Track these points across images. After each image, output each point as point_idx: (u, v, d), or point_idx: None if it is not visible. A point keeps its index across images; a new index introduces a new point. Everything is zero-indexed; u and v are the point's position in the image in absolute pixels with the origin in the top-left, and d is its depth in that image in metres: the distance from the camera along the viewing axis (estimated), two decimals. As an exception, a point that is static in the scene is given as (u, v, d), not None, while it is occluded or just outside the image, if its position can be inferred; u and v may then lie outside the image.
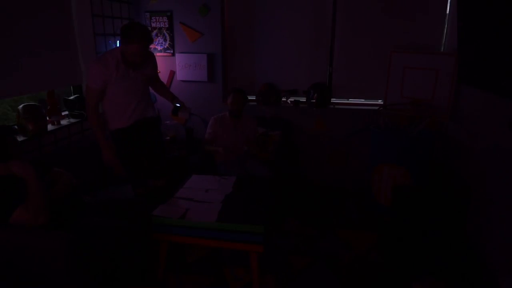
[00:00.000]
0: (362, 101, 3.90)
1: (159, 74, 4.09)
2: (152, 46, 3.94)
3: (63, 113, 3.15)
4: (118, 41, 3.61)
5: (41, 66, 2.77)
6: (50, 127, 2.89)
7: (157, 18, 3.90)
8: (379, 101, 3.75)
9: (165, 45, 3.96)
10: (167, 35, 3.93)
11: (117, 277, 2.11)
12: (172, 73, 4.03)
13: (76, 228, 2.01)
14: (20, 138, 2.56)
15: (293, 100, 3.96)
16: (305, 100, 3.88)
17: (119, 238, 2.09)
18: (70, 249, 1.74)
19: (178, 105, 2.77)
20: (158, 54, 3.97)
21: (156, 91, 2.95)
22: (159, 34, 3.93)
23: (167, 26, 3.90)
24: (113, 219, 2.21)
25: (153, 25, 3.92)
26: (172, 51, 3.96)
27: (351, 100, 3.93)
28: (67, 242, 1.75)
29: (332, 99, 3.90)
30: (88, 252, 1.90)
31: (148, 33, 2.42)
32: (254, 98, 3.98)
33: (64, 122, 3.06)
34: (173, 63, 3.98)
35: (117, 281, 2.13)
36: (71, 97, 3.17)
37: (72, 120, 3.11)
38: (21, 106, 2.63)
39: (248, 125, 3.36)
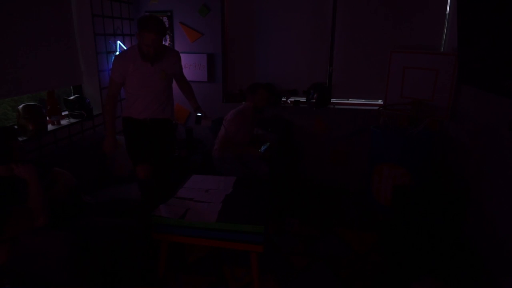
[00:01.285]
0: (362, 101, 3.90)
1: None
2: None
3: (63, 113, 3.15)
4: (118, 41, 3.61)
5: (41, 66, 2.77)
6: (50, 127, 2.89)
7: (157, 18, 3.90)
8: (379, 101, 3.75)
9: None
10: (167, 35, 3.93)
11: (118, 277, 2.11)
12: (172, 73, 4.03)
13: (76, 228, 2.01)
14: (20, 138, 2.56)
15: (293, 100, 3.96)
16: (305, 100, 3.88)
17: (119, 236, 2.09)
18: (70, 249, 1.75)
19: (199, 114, 2.87)
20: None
21: (181, 90, 2.96)
22: (159, 34, 3.93)
23: (167, 26, 3.90)
24: (113, 218, 2.22)
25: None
26: (172, 51, 3.96)
27: (351, 100, 3.93)
28: (67, 242, 1.75)
29: (332, 99, 3.90)
30: (89, 252, 1.90)
31: (162, 25, 2.47)
32: (254, 98, 3.98)
33: (64, 122, 3.06)
34: (173, 63, 3.97)
35: (117, 281, 2.13)
36: (71, 97, 3.17)
37: (72, 120, 3.11)
38: (21, 106, 2.63)
39: (257, 119, 3.37)
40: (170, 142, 2.85)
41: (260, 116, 3.35)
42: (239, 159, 3.17)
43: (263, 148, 3.21)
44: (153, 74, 2.57)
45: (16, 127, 2.65)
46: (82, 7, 3.13)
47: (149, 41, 2.41)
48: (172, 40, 3.94)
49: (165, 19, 3.88)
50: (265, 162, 3.18)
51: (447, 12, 3.42)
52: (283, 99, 3.96)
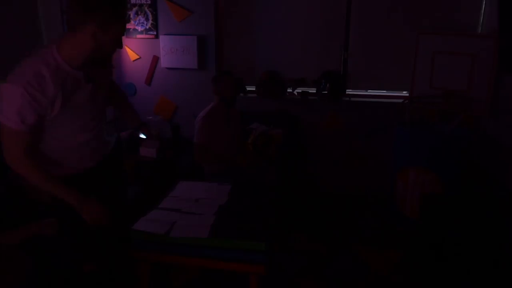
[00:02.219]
0: (383, 92, 3.91)
1: (140, 61, 4.11)
2: (131, 26, 3.92)
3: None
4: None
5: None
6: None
7: (138, -8, 3.90)
8: (404, 92, 3.76)
9: (146, 25, 3.95)
10: (149, 13, 3.92)
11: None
12: (156, 59, 4.02)
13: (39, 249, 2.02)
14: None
15: (300, 91, 3.96)
16: (315, 91, 3.88)
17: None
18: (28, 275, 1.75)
19: (143, 137, 2.42)
20: (139, 36, 3.97)
21: (115, 106, 2.39)
22: (139, 12, 3.92)
23: (149, 2, 3.89)
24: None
25: (133, 1, 3.90)
26: (155, 33, 3.95)
27: (370, 92, 3.94)
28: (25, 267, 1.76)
29: (347, 90, 3.91)
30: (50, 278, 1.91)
31: None
32: (254, 89, 3.98)
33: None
34: (157, 47, 3.97)
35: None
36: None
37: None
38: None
39: (236, 115, 3.36)
40: (121, 179, 2.46)
41: (233, 109, 3.31)
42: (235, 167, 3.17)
43: None
44: (93, 93, 1.92)
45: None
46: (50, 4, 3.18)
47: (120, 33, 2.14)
48: (155, 20, 3.92)
49: (147, -6, 3.88)
50: (270, 169, 3.19)
51: (486, -15, 3.43)
52: (289, 90, 3.97)
